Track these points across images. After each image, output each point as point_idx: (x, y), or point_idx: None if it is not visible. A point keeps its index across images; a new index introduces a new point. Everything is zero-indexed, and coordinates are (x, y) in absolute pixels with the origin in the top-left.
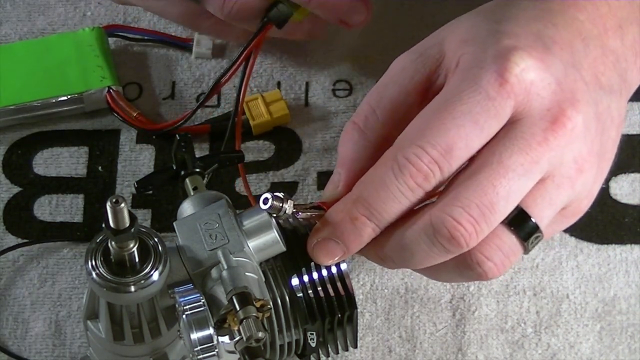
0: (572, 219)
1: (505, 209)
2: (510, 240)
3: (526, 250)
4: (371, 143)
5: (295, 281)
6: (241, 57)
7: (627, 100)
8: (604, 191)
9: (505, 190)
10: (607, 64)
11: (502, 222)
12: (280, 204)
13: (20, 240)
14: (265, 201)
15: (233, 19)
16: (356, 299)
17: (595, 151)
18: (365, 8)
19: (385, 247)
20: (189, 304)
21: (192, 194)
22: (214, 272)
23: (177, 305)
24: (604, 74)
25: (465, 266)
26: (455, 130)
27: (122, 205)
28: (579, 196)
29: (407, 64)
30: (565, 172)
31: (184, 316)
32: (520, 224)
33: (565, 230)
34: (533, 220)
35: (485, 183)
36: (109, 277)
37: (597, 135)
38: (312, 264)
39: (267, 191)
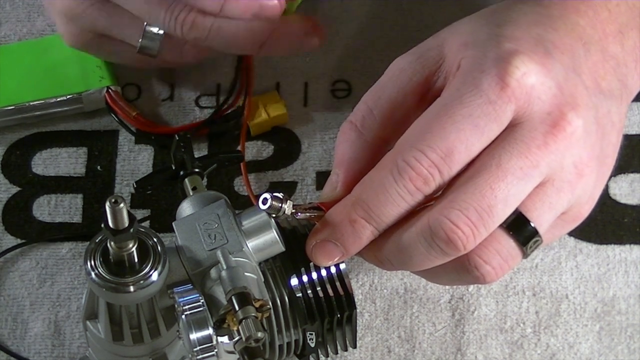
0: (572, 224)
1: (504, 213)
2: (508, 244)
3: (525, 255)
4: (368, 143)
5: (294, 281)
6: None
7: (628, 105)
8: (603, 191)
9: (504, 194)
10: (607, 68)
11: (501, 226)
12: (280, 204)
13: (19, 241)
14: (265, 201)
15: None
16: (355, 299)
17: (595, 155)
18: (320, 34)
19: (383, 249)
20: (188, 304)
21: (191, 194)
22: (213, 272)
23: (176, 306)
24: (605, 79)
25: (463, 269)
26: (456, 134)
27: (121, 205)
28: (580, 201)
29: (406, 65)
30: (565, 176)
31: (183, 316)
32: (519, 228)
33: None
34: (532, 224)
35: (483, 186)
36: (108, 277)
37: (597, 140)
38: (311, 264)
39: (266, 191)
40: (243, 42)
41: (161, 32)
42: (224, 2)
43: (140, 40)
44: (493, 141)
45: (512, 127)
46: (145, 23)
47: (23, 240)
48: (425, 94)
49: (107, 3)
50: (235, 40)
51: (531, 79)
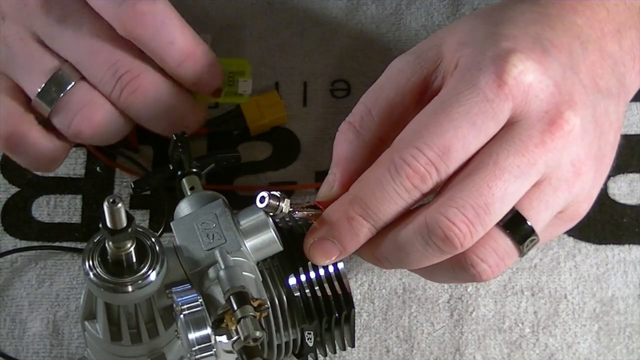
0: (570, 222)
1: (501, 211)
2: (505, 243)
3: (521, 254)
4: (366, 143)
5: (292, 280)
6: None
7: (626, 105)
8: (602, 191)
9: (501, 192)
10: (605, 67)
11: (498, 225)
12: (277, 203)
13: (18, 241)
14: (262, 199)
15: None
16: (354, 299)
17: (593, 154)
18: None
19: (380, 247)
20: (186, 304)
21: (188, 194)
22: (211, 272)
23: (174, 305)
24: (602, 78)
25: (459, 267)
26: (453, 131)
27: (119, 205)
28: (577, 199)
29: (405, 65)
30: (563, 175)
31: (181, 316)
32: (516, 226)
33: None
34: (529, 223)
35: (480, 184)
36: (106, 277)
37: (595, 139)
38: (309, 263)
39: (264, 190)
40: (167, 119)
41: (61, 94)
42: (184, 58)
43: (41, 87)
44: (490, 139)
45: (509, 126)
46: (53, 72)
47: (22, 241)
48: (423, 94)
49: (26, 36)
50: (163, 115)
51: (529, 77)
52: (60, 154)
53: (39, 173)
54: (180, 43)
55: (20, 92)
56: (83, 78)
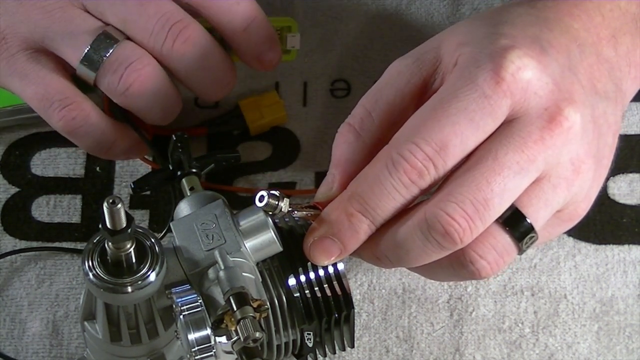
0: (569, 223)
1: (500, 207)
2: (504, 239)
3: (520, 251)
4: (366, 145)
5: (292, 281)
6: None
7: (623, 109)
8: (602, 191)
9: (500, 188)
10: (602, 71)
11: (497, 222)
12: (276, 202)
13: (18, 241)
14: (262, 199)
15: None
16: (353, 299)
17: (592, 154)
18: (278, 48)
19: (380, 245)
20: (186, 305)
21: (188, 194)
22: (211, 273)
23: (174, 306)
24: (600, 81)
25: (459, 264)
26: (450, 127)
27: (119, 205)
28: (576, 199)
29: (404, 67)
30: (562, 172)
31: (181, 317)
32: (515, 223)
33: None
34: (528, 220)
35: (480, 179)
36: (105, 277)
37: (594, 138)
38: (309, 264)
39: (263, 189)
40: (211, 75)
41: (108, 52)
42: (250, 22)
43: (85, 50)
44: (490, 136)
45: (508, 122)
46: (97, 33)
47: (22, 241)
48: (422, 96)
49: (62, 4)
50: (211, 77)
51: (527, 74)
52: (118, 136)
53: (38, 173)
54: (246, 3)
55: (66, 70)
56: (128, 39)
